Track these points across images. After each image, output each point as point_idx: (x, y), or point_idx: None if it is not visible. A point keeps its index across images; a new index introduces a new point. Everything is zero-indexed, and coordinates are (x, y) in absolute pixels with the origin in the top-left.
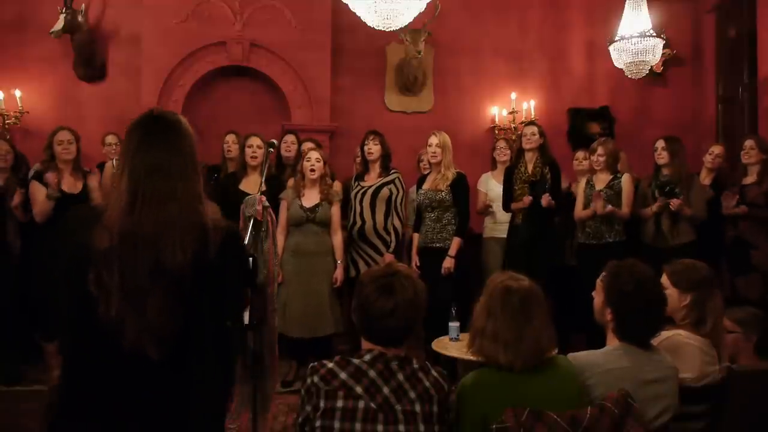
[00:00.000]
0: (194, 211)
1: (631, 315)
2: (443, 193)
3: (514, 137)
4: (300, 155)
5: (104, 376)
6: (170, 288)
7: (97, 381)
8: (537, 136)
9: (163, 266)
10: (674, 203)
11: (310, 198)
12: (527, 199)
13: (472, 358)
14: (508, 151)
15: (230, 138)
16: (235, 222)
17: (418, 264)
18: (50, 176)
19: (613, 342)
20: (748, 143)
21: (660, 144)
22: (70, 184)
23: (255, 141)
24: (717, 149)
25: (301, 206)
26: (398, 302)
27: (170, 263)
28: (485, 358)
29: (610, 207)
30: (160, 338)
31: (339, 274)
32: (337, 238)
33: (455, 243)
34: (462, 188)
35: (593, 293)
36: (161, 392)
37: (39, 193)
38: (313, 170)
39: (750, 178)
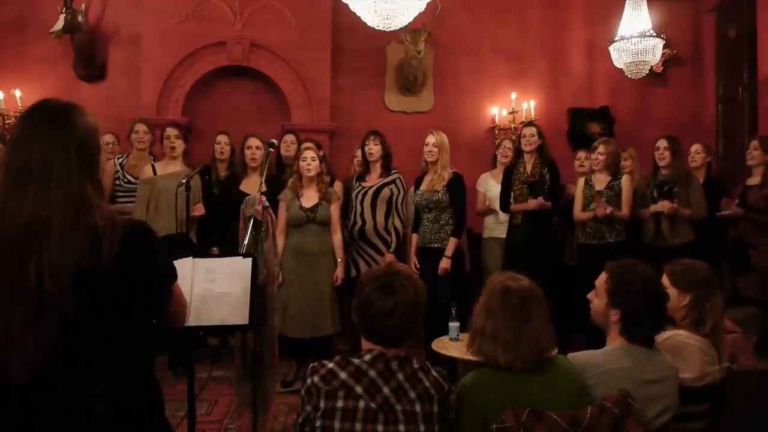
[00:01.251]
0: (79, 214)
1: (639, 314)
2: (440, 194)
3: (514, 137)
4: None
5: None
6: (36, 305)
7: None
8: (536, 138)
9: (26, 282)
10: (665, 206)
11: (309, 198)
12: (533, 202)
13: (472, 358)
14: (512, 153)
15: (222, 139)
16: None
17: (417, 265)
18: None
19: (613, 342)
20: (752, 144)
21: (662, 144)
22: None
23: (254, 142)
24: (695, 147)
25: (301, 206)
26: (398, 302)
27: (34, 279)
28: (485, 358)
29: (610, 209)
30: (23, 359)
31: (339, 273)
32: (337, 238)
33: (451, 243)
34: (458, 188)
35: (590, 295)
36: (29, 418)
37: None
38: (309, 169)
39: (753, 180)
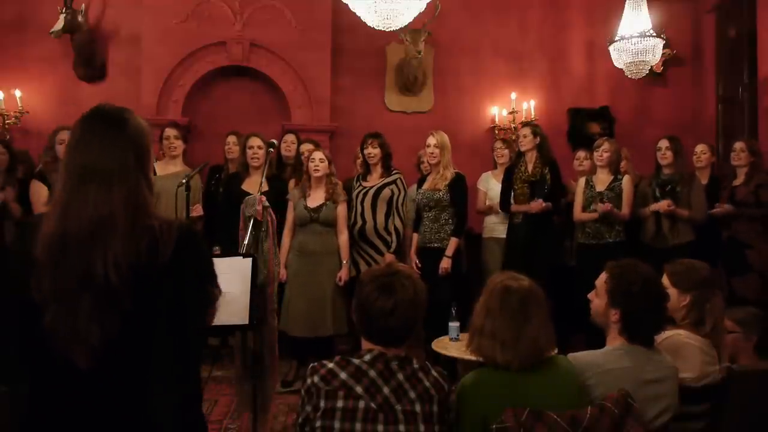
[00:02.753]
0: (136, 214)
1: (639, 314)
2: (441, 193)
3: (513, 137)
4: (299, 155)
5: (42, 385)
6: (102, 295)
7: (37, 392)
8: (530, 137)
9: (92, 273)
10: (662, 206)
11: (315, 198)
12: (534, 205)
13: (472, 358)
14: (506, 151)
15: (231, 139)
16: (237, 222)
17: (417, 264)
18: None
19: (613, 342)
20: (738, 146)
21: (664, 144)
22: None
23: (255, 142)
24: (699, 147)
25: (306, 206)
26: (398, 302)
27: (100, 270)
28: (483, 357)
29: (609, 205)
30: (91, 347)
31: (344, 273)
32: (343, 238)
33: (452, 243)
34: (460, 188)
35: (590, 295)
36: (93, 404)
37: (40, 193)
38: (317, 170)
39: (738, 180)
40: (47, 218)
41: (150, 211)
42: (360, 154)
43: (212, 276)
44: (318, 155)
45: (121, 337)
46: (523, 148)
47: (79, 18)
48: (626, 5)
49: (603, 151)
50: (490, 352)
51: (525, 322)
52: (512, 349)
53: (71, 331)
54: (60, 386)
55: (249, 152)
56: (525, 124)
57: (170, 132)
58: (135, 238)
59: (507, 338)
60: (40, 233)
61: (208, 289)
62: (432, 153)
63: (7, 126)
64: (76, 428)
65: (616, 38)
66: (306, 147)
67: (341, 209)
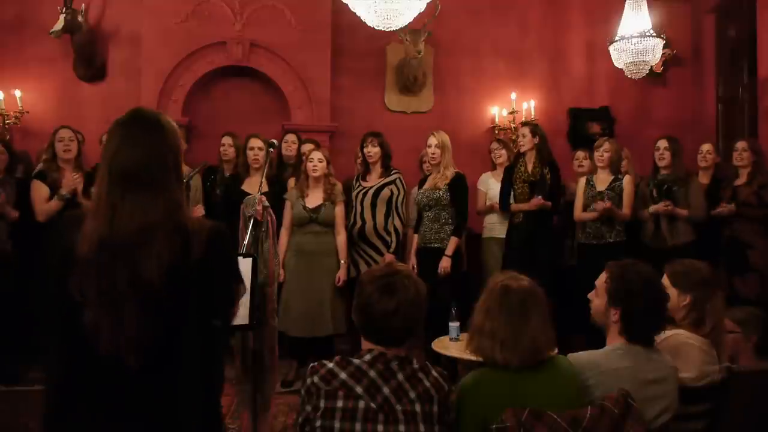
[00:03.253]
0: (175, 216)
1: (640, 314)
2: (440, 192)
3: (514, 137)
4: (300, 155)
5: (86, 382)
6: (148, 296)
7: (79, 388)
8: (529, 137)
9: (141, 276)
10: (659, 209)
11: (314, 198)
12: (533, 202)
13: (472, 358)
14: (503, 152)
15: (226, 140)
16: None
17: (414, 265)
18: (71, 177)
19: (613, 342)
20: (740, 145)
21: (662, 144)
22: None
23: (256, 143)
24: (706, 147)
25: (304, 206)
26: (400, 302)
27: (148, 273)
28: (483, 357)
29: (609, 203)
30: (138, 346)
31: (342, 273)
32: (341, 238)
33: (452, 243)
34: (460, 188)
35: (590, 295)
36: (142, 400)
37: (40, 192)
38: (315, 169)
39: (741, 180)
40: (92, 219)
41: (185, 213)
42: (360, 154)
43: (238, 274)
44: (316, 155)
45: (166, 335)
46: (522, 149)
47: (79, 18)
48: (626, 5)
49: (603, 151)
50: (489, 352)
51: (524, 322)
52: (511, 348)
53: (117, 332)
54: (100, 381)
55: (249, 153)
56: (524, 123)
57: None
58: (174, 240)
59: (506, 338)
60: (84, 233)
61: (234, 287)
62: (433, 153)
63: (7, 126)
64: (105, 421)
65: (616, 38)
66: (307, 147)
67: (339, 209)
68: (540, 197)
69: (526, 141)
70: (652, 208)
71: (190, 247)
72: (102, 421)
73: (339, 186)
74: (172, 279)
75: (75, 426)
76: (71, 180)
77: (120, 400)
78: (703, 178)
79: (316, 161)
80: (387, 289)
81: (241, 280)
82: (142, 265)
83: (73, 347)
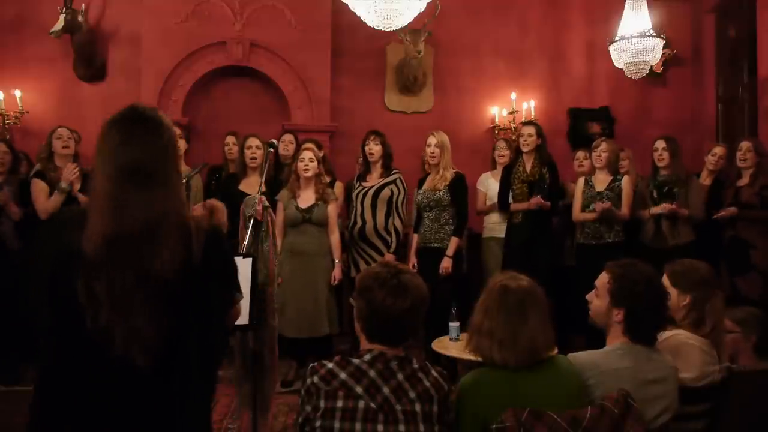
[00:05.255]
0: (177, 214)
1: (642, 313)
2: (441, 193)
3: (514, 137)
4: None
5: (89, 385)
6: (157, 294)
7: (81, 391)
8: (534, 137)
9: (149, 272)
10: (665, 207)
11: (306, 198)
12: (535, 200)
13: (472, 358)
14: (508, 152)
15: (230, 139)
16: (235, 222)
17: (415, 265)
18: (69, 168)
19: (613, 342)
20: (745, 145)
21: (660, 144)
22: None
23: (254, 142)
24: (719, 150)
25: (297, 207)
26: (414, 300)
27: (157, 269)
28: (482, 357)
29: (608, 203)
30: (148, 346)
31: (337, 273)
32: (334, 238)
33: (453, 243)
34: (460, 188)
35: (589, 296)
36: (148, 400)
37: (41, 190)
38: (306, 169)
39: (743, 180)
40: (94, 218)
41: (186, 210)
42: (361, 153)
43: (235, 278)
44: (307, 155)
45: (171, 334)
46: (525, 149)
47: (79, 18)
48: (626, 5)
49: (601, 151)
50: (487, 352)
51: (522, 322)
52: (510, 348)
53: (129, 331)
54: (122, 385)
55: (247, 152)
56: (527, 122)
57: None
58: (177, 237)
59: (504, 337)
60: (87, 233)
61: (231, 291)
62: (432, 153)
63: (7, 126)
64: (105, 423)
65: (616, 38)
66: (305, 146)
67: (332, 209)
68: (539, 196)
69: (531, 142)
70: (654, 209)
71: (191, 248)
72: (102, 423)
73: (340, 185)
74: (181, 276)
75: (73, 428)
76: (69, 170)
77: (125, 402)
78: (706, 179)
79: (307, 161)
80: (399, 290)
81: (237, 287)
82: (151, 260)
83: (75, 352)
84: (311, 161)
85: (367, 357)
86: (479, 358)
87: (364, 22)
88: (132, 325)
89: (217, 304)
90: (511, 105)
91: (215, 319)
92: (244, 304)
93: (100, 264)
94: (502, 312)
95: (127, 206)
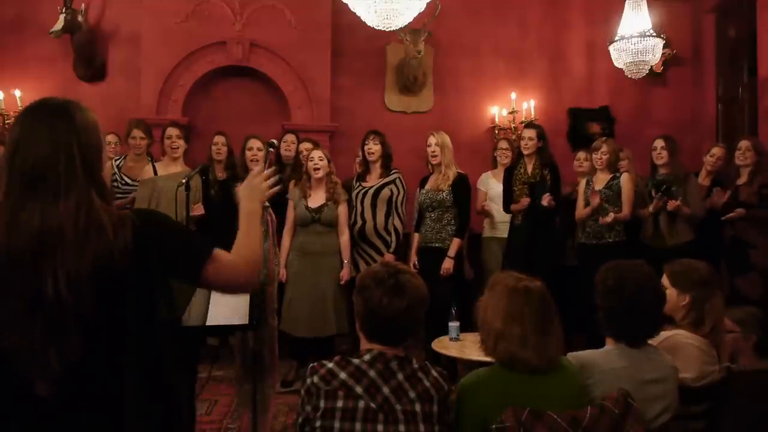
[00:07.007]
0: (87, 220)
1: (618, 313)
2: (444, 194)
3: (514, 137)
4: (299, 155)
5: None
6: (57, 316)
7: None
8: (535, 141)
9: (44, 293)
10: (671, 204)
11: (316, 198)
12: (525, 200)
13: (472, 357)
14: (510, 153)
15: (219, 139)
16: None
17: (416, 265)
18: None
19: (612, 342)
20: (744, 144)
21: (659, 143)
22: None
23: (255, 143)
24: (718, 151)
25: (307, 207)
26: (411, 300)
27: (51, 290)
28: (499, 359)
29: (611, 217)
30: (49, 373)
31: (345, 273)
32: (344, 238)
33: (455, 244)
34: (463, 189)
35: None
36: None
37: None
38: (317, 169)
39: (742, 179)
40: None
41: (102, 215)
42: (360, 153)
43: (193, 235)
44: (317, 154)
45: (86, 357)
46: (526, 151)
47: (79, 18)
48: (626, 5)
49: (602, 153)
50: (519, 356)
51: (549, 323)
52: (541, 350)
53: (29, 358)
54: (21, 416)
55: (248, 153)
56: (529, 125)
57: (172, 131)
58: (88, 245)
59: (536, 341)
60: None
61: (193, 241)
62: (433, 152)
63: (7, 126)
64: None
65: (616, 38)
66: (304, 146)
67: (342, 209)
68: (528, 198)
69: (532, 145)
70: (653, 206)
71: (113, 248)
72: None
73: (340, 185)
74: (100, 289)
75: None
76: None
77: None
78: (704, 180)
79: (317, 160)
80: (396, 290)
81: (197, 250)
82: (43, 281)
83: None
84: (321, 161)
85: (367, 357)
86: (492, 359)
87: (364, 22)
88: (30, 351)
89: (185, 255)
90: (511, 105)
91: (162, 311)
92: (244, 304)
93: None
94: (531, 316)
95: (19, 218)
